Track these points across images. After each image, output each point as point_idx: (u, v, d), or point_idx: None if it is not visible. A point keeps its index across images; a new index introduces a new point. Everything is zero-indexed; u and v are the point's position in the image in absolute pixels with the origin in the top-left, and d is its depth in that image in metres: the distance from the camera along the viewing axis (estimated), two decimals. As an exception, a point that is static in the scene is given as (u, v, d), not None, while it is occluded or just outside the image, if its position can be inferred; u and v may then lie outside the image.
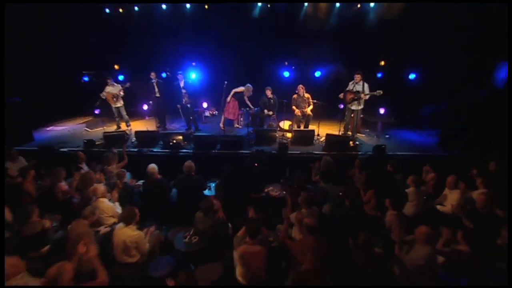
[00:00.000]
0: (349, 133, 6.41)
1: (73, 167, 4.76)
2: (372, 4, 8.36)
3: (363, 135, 6.89)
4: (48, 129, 7.86)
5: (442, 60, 7.24)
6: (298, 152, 5.59)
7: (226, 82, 6.89)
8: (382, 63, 8.75)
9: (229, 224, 3.50)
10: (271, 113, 6.70)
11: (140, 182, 4.73)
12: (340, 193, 3.87)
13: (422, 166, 4.82)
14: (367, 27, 8.42)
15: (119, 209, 3.77)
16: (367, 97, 5.97)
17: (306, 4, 8.31)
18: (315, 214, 3.27)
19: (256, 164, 4.59)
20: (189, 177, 4.13)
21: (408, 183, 4.00)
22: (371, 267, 2.65)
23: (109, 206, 3.67)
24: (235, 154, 5.57)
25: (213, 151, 5.67)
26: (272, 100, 6.69)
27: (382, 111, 8.62)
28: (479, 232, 3.19)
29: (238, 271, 2.86)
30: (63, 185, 4.25)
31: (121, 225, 3.15)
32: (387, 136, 6.82)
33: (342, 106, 7.56)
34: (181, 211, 4.02)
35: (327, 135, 5.84)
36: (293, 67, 8.88)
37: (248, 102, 6.89)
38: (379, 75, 8.90)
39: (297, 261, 2.73)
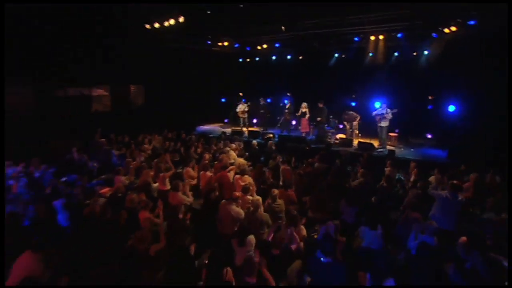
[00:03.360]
0: (382, 146, 9.33)
1: (217, 141, 9.72)
2: (426, 52, 10.92)
3: (392, 147, 9.60)
4: (200, 127, 13.68)
5: (472, 95, 9.20)
6: (337, 149, 9.06)
7: (304, 104, 11.05)
8: (430, 97, 11.00)
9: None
10: (319, 118, 10.31)
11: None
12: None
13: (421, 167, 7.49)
14: (420, 69, 10.98)
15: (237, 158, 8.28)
16: (390, 115, 8.95)
17: (371, 54, 11.59)
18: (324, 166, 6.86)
19: (307, 148, 8.42)
20: (270, 149, 8.35)
21: (387, 165, 6.98)
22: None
23: (234, 154, 8.22)
24: (300, 145, 9.52)
25: (288, 143, 9.79)
26: (322, 109, 10.33)
27: (429, 136, 10.89)
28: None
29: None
30: (213, 147, 9.18)
31: (238, 157, 7.61)
32: (412, 149, 9.34)
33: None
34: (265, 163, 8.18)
35: (359, 142, 9.08)
36: (357, 99, 12.17)
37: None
38: (429, 107, 11.14)
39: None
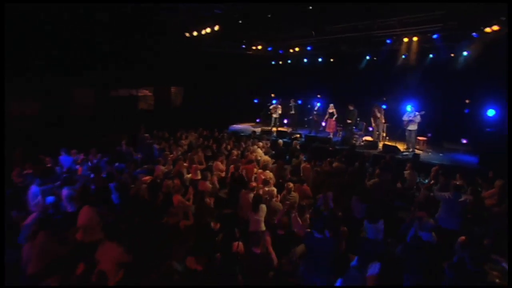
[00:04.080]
0: (411, 149, 9.31)
1: (246, 139, 10.45)
2: (464, 53, 10.49)
3: (421, 151, 9.49)
4: (233, 126, 14.55)
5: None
6: (361, 151, 9.26)
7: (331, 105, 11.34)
8: (467, 101, 10.58)
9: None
10: (349, 121, 10.49)
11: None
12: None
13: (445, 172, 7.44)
14: (457, 71, 10.59)
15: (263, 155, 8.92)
16: (419, 119, 9.05)
17: (403, 56, 11.43)
18: (342, 165, 7.21)
19: (330, 148, 8.78)
20: (295, 148, 8.86)
21: (406, 168, 7.11)
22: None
23: (260, 151, 8.86)
24: (324, 146, 9.88)
25: (313, 143, 10.18)
26: (352, 111, 10.53)
27: (464, 141, 10.51)
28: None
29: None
30: (242, 144, 9.92)
31: (264, 155, 8.24)
32: (440, 154, 9.19)
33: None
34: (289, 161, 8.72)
35: (384, 144, 9.18)
36: (388, 102, 12.07)
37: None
38: (466, 111, 10.72)
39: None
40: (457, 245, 3.80)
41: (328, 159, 7.20)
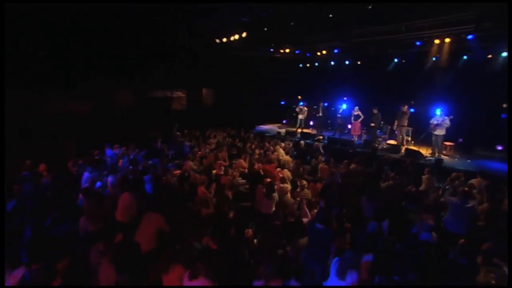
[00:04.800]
0: (437, 154, 9.15)
1: (270, 139, 10.95)
2: (504, 54, 9.95)
3: (447, 156, 9.29)
4: (259, 126, 15.12)
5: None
6: (382, 154, 9.32)
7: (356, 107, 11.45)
8: (505, 105, 10.06)
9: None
10: (372, 124, 10.53)
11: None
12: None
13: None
14: (493, 73, 10.06)
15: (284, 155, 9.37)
16: (448, 123, 8.94)
17: (434, 58, 11.12)
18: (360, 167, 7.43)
19: (351, 151, 8.99)
20: (315, 150, 9.19)
21: (425, 173, 7.12)
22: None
23: (282, 151, 9.31)
24: (345, 148, 10.06)
25: (335, 145, 10.40)
26: (376, 115, 10.58)
27: (499, 147, 10.07)
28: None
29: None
30: (266, 144, 10.44)
31: (285, 155, 8.69)
32: (468, 161, 8.94)
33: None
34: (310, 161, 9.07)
35: (406, 148, 9.15)
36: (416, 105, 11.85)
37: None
38: (503, 116, 10.20)
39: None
40: (457, 246, 4.00)
41: (346, 160, 7.45)
